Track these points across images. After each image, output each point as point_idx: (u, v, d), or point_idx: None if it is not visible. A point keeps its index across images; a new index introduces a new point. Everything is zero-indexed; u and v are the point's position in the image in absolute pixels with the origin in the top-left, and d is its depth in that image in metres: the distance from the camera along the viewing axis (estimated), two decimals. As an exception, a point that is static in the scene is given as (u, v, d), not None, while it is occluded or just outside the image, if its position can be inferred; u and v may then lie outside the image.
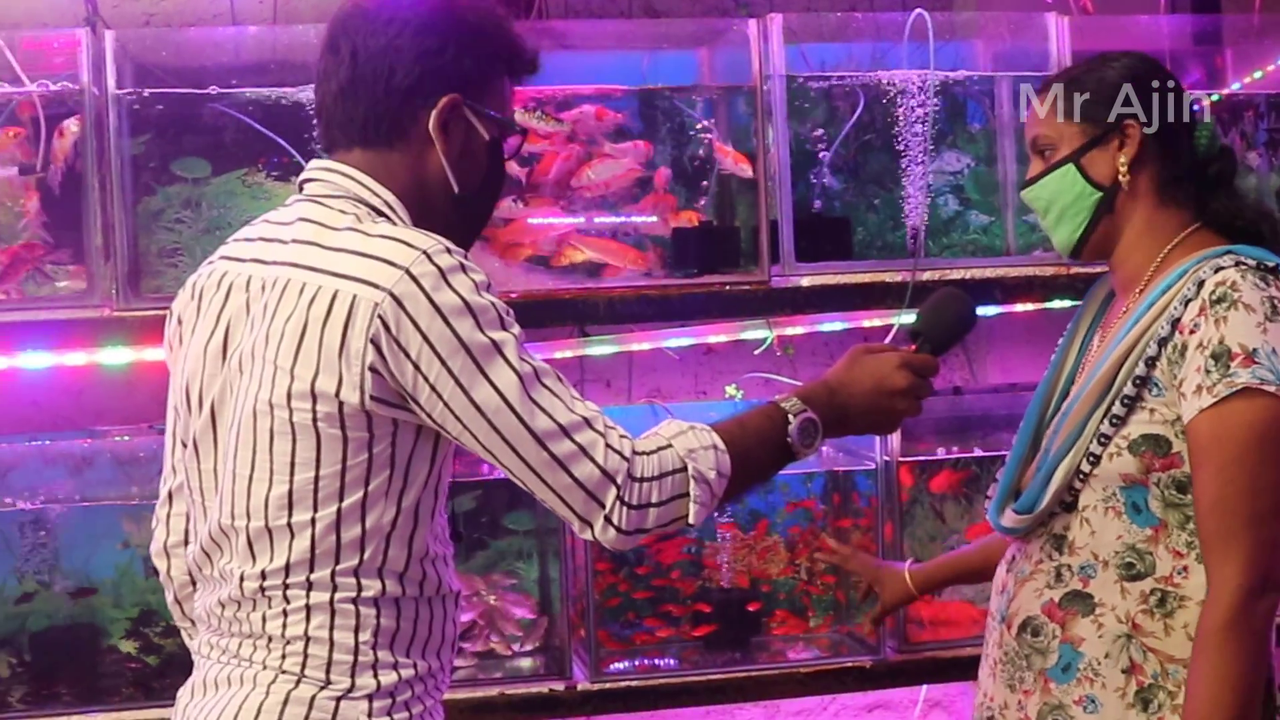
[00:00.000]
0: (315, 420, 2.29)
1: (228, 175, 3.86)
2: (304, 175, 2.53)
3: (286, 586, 2.34)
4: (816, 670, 4.10)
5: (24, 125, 3.76)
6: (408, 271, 2.25)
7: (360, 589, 2.34)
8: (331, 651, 2.33)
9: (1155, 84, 2.81)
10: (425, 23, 2.46)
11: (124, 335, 3.69)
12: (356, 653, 2.34)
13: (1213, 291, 2.60)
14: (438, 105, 2.45)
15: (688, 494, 2.33)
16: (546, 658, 4.06)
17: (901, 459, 4.13)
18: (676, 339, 4.37)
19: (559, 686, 3.95)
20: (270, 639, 2.36)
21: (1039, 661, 2.76)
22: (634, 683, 4.00)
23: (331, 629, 2.33)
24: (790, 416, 2.48)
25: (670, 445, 2.35)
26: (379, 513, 2.33)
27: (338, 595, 2.33)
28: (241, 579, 2.37)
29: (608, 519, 2.29)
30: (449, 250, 2.30)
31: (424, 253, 2.27)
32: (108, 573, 3.94)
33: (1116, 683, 2.68)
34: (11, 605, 3.90)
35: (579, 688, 3.95)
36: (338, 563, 2.33)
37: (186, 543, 2.60)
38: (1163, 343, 2.64)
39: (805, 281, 3.98)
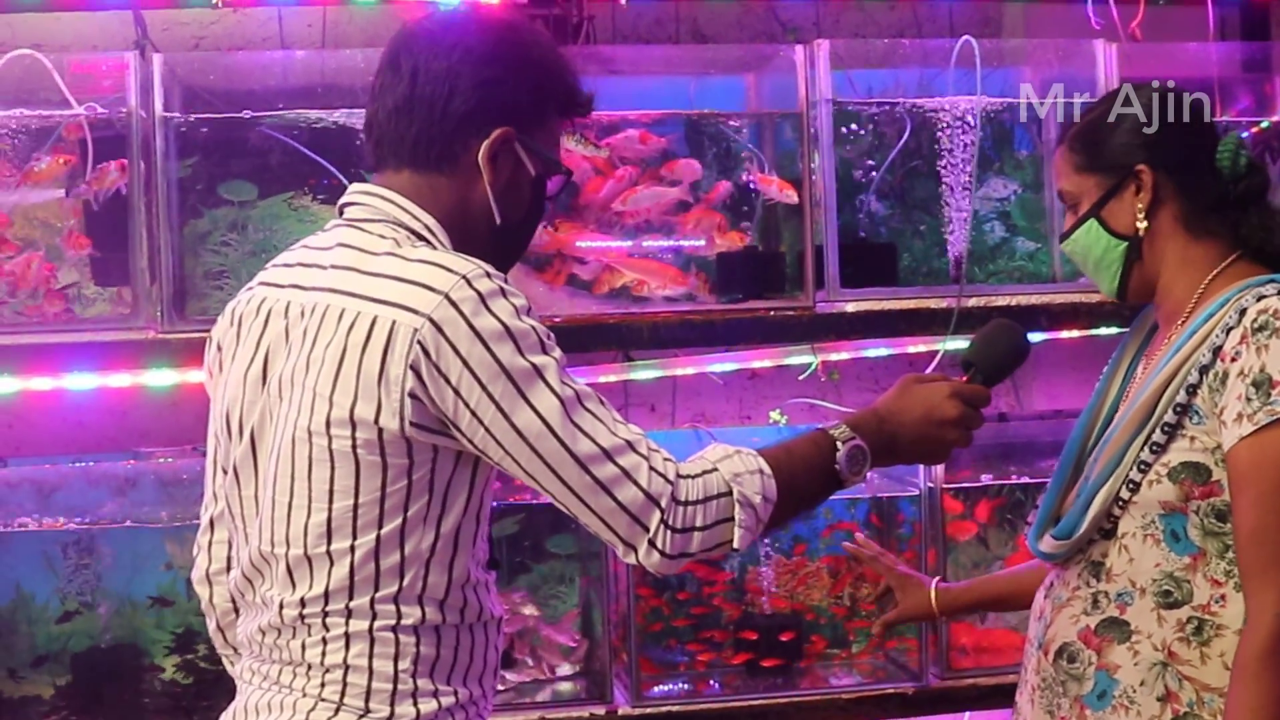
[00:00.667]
0: (355, 447, 2.28)
1: (274, 199, 3.88)
2: (344, 199, 2.52)
3: (326, 614, 2.33)
4: (858, 696, 4.09)
5: (73, 152, 3.78)
6: (447, 296, 2.24)
7: (400, 616, 2.33)
8: (371, 680, 2.32)
9: (1169, 118, 2.80)
10: (489, 52, 2.46)
11: (169, 357, 3.70)
12: (396, 681, 2.33)
13: (1255, 320, 2.59)
14: (490, 136, 2.44)
15: (733, 518, 2.31)
16: (588, 682, 4.05)
17: (945, 485, 4.12)
18: (720, 364, 4.36)
19: (600, 711, 3.94)
20: (310, 666, 2.35)
21: (1075, 688, 2.75)
22: (675, 708, 3.98)
23: (371, 657, 2.33)
24: (839, 444, 2.46)
25: (715, 469, 2.33)
26: (418, 539, 2.32)
27: (377, 623, 2.32)
28: (281, 606, 2.36)
29: (651, 543, 2.27)
30: (489, 274, 2.29)
31: (464, 277, 2.26)
32: (150, 593, 3.95)
33: (1152, 710, 2.66)
34: (54, 625, 3.91)
35: (620, 712, 3.95)
36: (377, 590, 2.32)
37: (228, 569, 2.60)
38: (1204, 370, 2.63)
39: (850, 307, 3.98)
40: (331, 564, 2.32)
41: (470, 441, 2.28)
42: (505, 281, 2.31)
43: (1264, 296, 2.62)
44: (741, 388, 4.60)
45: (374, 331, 2.27)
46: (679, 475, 2.30)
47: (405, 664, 2.34)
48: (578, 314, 3.88)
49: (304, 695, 2.35)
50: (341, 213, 2.52)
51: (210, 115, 3.83)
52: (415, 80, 2.44)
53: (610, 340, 3.92)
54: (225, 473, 2.53)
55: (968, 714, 4.77)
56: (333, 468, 2.30)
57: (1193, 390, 2.64)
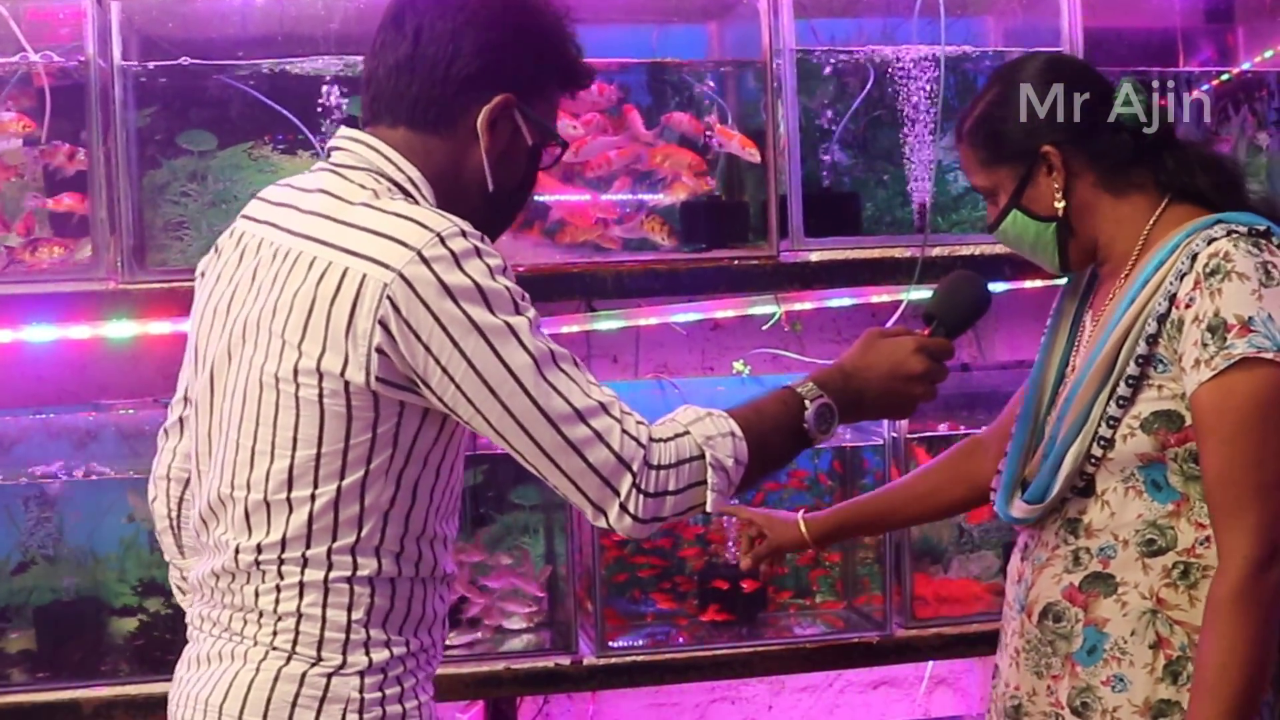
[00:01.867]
0: (321, 397, 2.27)
1: (234, 148, 3.86)
2: (332, 143, 2.50)
3: (281, 561, 2.33)
4: (822, 645, 4.09)
5: (32, 117, 3.74)
6: (419, 253, 2.23)
7: (356, 567, 2.33)
8: (323, 629, 2.33)
9: (1058, 88, 2.79)
10: (495, 17, 2.43)
11: (129, 308, 3.69)
12: (349, 630, 2.33)
13: (1206, 264, 2.59)
14: (491, 102, 2.43)
15: (705, 481, 2.32)
16: (552, 633, 4.05)
17: (909, 435, 4.12)
18: (684, 314, 4.35)
19: (565, 661, 3.94)
20: (262, 614, 2.35)
21: (1064, 646, 2.75)
22: (639, 657, 3.98)
23: (325, 606, 2.33)
24: (806, 402, 2.47)
25: (688, 432, 2.33)
26: (378, 491, 2.32)
27: (332, 573, 2.32)
28: (237, 551, 2.36)
29: (623, 506, 2.27)
30: (464, 233, 2.27)
31: (438, 235, 2.25)
32: (112, 547, 3.93)
33: (1144, 659, 2.67)
34: (13, 579, 3.89)
35: (585, 662, 3.95)
36: (334, 540, 2.32)
37: (185, 484, 2.63)
38: (1162, 319, 2.62)
39: (814, 256, 3.98)
40: (290, 511, 2.32)
41: (440, 399, 2.27)
42: (481, 240, 2.29)
43: (1214, 239, 2.62)
44: (704, 339, 4.59)
45: (344, 283, 2.25)
46: (651, 439, 2.30)
47: (359, 614, 2.34)
48: (541, 263, 3.87)
49: (255, 644, 2.35)
50: (329, 156, 2.50)
51: (169, 63, 3.79)
52: (419, 39, 2.42)
53: (574, 290, 3.90)
54: (188, 402, 2.55)
55: (930, 663, 4.81)
56: (298, 415, 2.29)
57: (1153, 340, 2.63)
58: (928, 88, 4.11)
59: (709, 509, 2.34)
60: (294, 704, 2.31)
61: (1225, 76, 4.34)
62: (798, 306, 4.40)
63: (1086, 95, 2.79)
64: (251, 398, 2.34)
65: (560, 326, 4.26)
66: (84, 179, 3.74)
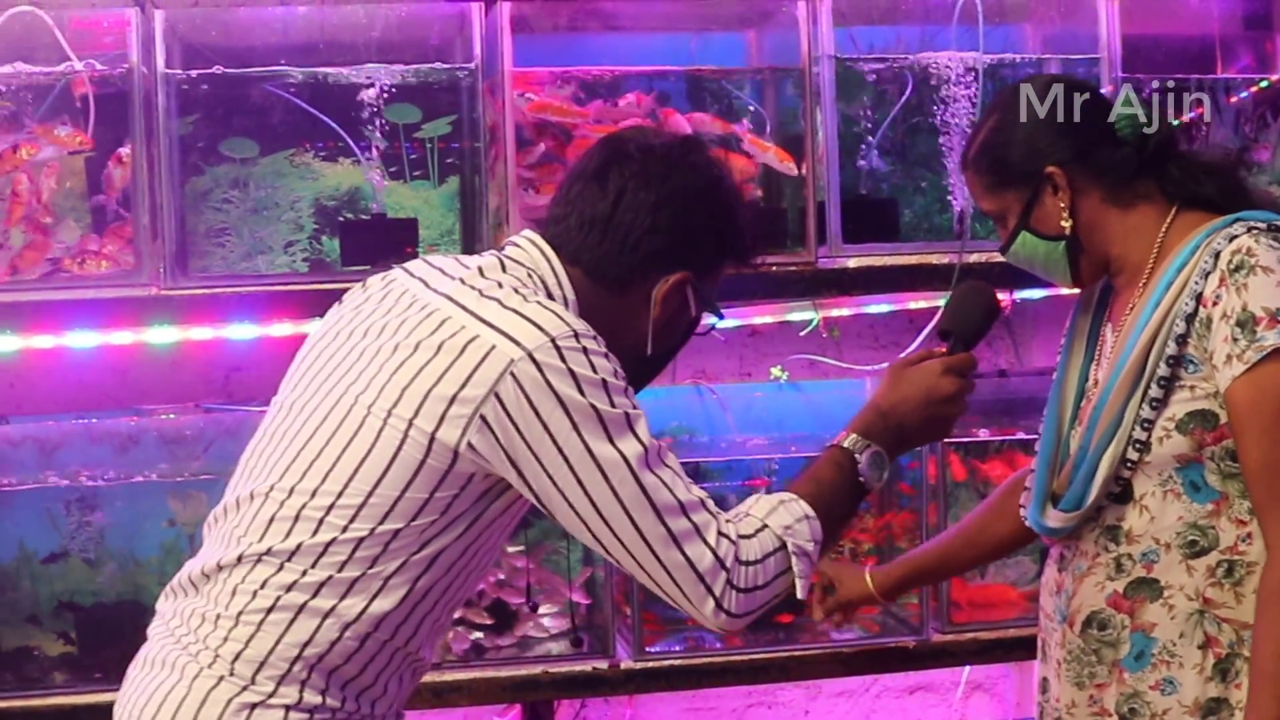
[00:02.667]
0: (402, 444, 2.31)
1: (275, 155, 3.86)
2: (510, 239, 2.58)
3: (280, 569, 2.35)
4: (859, 650, 4.10)
5: (77, 115, 3.76)
6: (553, 340, 2.29)
7: (338, 604, 2.34)
8: (271, 652, 2.33)
9: (1060, 110, 2.83)
10: (694, 198, 2.52)
11: (170, 314, 3.70)
12: (293, 664, 2.34)
13: (1230, 261, 2.62)
14: (671, 278, 2.51)
15: (791, 569, 2.39)
16: (590, 636, 4.05)
17: (946, 440, 4.12)
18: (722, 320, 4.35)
19: (602, 665, 3.96)
20: (221, 615, 2.36)
21: (1110, 654, 2.75)
22: (677, 662, 3.99)
23: (286, 630, 2.33)
24: (857, 455, 2.54)
25: (766, 525, 2.40)
26: (403, 546, 2.34)
27: (314, 601, 2.33)
28: (244, 547, 2.38)
29: (719, 604, 2.33)
30: (596, 338, 2.34)
31: (574, 332, 2.32)
32: (153, 551, 3.94)
33: (1194, 660, 2.68)
34: (58, 582, 3.91)
35: (622, 666, 3.96)
36: (339, 571, 2.34)
37: None
38: (1190, 319, 2.64)
39: (852, 263, 3.98)
40: (316, 532, 2.34)
41: (541, 467, 2.30)
42: (608, 354, 2.35)
43: (1235, 237, 2.65)
44: (742, 345, 4.60)
45: (470, 348, 2.31)
46: (739, 536, 2.35)
47: (311, 653, 2.34)
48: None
49: (196, 654, 2.35)
50: (503, 249, 2.56)
51: (212, 71, 3.81)
52: (619, 203, 2.49)
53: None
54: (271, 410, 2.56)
55: (967, 668, 4.81)
56: (371, 450, 2.33)
57: (1182, 340, 2.65)
58: (966, 95, 4.11)
59: (800, 595, 2.41)
60: None
61: (1265, 83, 4.33)
62: (835, 313, 4.41)
63: (1086, 113, 2.82)
64: (336, 416, 2.38)
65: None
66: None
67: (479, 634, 3.95)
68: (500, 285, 2.41)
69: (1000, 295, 4.31)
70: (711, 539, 2.33)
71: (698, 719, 4.81)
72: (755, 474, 4.23)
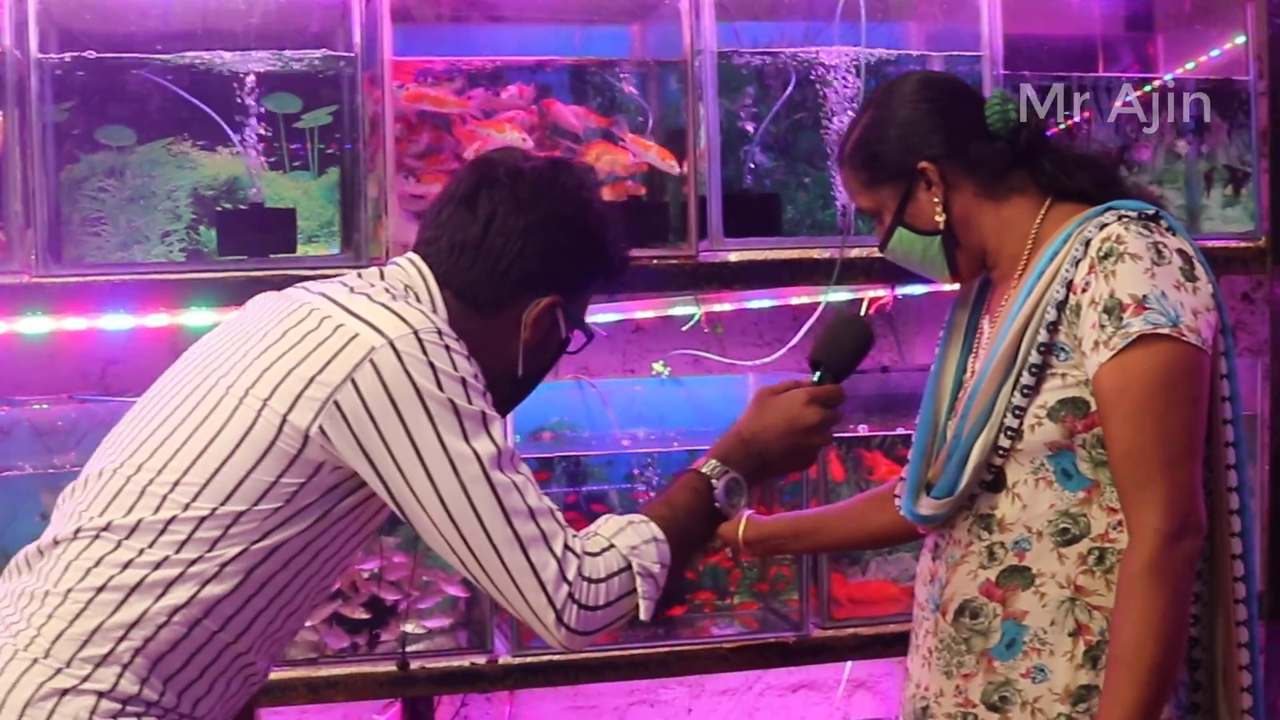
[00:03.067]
0: (254, 423, 2.30)
1: (153, 144, 3.82)
2: (393, 259, 2.61)
3: (117, 546, 2.31)
4: (739, 646, 4.11)
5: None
6: (416, 333, 2.31)
7: (168, 589, 2.30)
8: (94, 634, 2.29)
9: (931, 108, 2.85)
10: (563, 223, 2.54)
11: (44, 303, 3.65)
12: (116, 645, 2.29)
13: (1100, 248, 2.64)
14: (541, 302, 2.53)
15: (635, 590, 2.38)
16: (469, 632, 4.03)
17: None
18: (604, 314, 4.34)
19: (480, 660, 3.94)
20: (48, 594, 2.31)
21: (980, 643, 2.76)
22: (556, 657, 3.97)
23: (114, 610, 2.29)
24: (714, 481, 2.55)
25: (613, 545, 2.39)
26: (244, 536, 2.32)
27: (149, 579, 2.30)
28: (84, 521, 2.35)
29: (559, 617, 2.32)
30: (460, 341, 2.36)
31: (438, 330, 2.34)
32: (25, 544, 3.88)
33: (1065, 647, 2.69)
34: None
35: (500, 661, 3.94)
36: (177, 552, 2.30)
37: None
38: (1060, 306, 2.66)
39: (733, 257, 3.99)
40: (159, 509, 2.31)
41: (392, 461, 2.29)
42: (471, 358, 2.37)
43: (1106, 225, 2.67)
44: (625, 340, 4.58)
45: (334, 335, 2.32)
46: (585, 552, 2.35)
47: (136, 635, 2.29)
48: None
49: (18, 635, 2.31)
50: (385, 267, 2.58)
51: (87, 56, 3.76)
52: (488, 228, 2.51)
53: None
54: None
55: (848, 666, 4.82)
56: (222, 429, 2.32)
57: (1053, 327, 2.67)
58: (849, 91, 4.12)
59: (643, 616, 2.40)
60: (21, 714, 2.26)
61: (1148, 88, 4.36)
62: (718, 308, 4.40)
63: (958, 109, 2.83)
64: (195, 398, 2.38)
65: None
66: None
67: (356, 629, 3.91)
68: (371, 285, 2.45)
69: (881, 293, 4.39)
70: (558, 549, 2.32)
71: (579, 717, 4.79)
72: (636, 468, 4.23)
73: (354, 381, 2.27)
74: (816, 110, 4.16)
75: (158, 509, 2.31)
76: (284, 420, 2.28)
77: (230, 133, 3.79)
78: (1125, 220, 2.66)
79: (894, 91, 2.90)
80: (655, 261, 3.93)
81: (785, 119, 4.17)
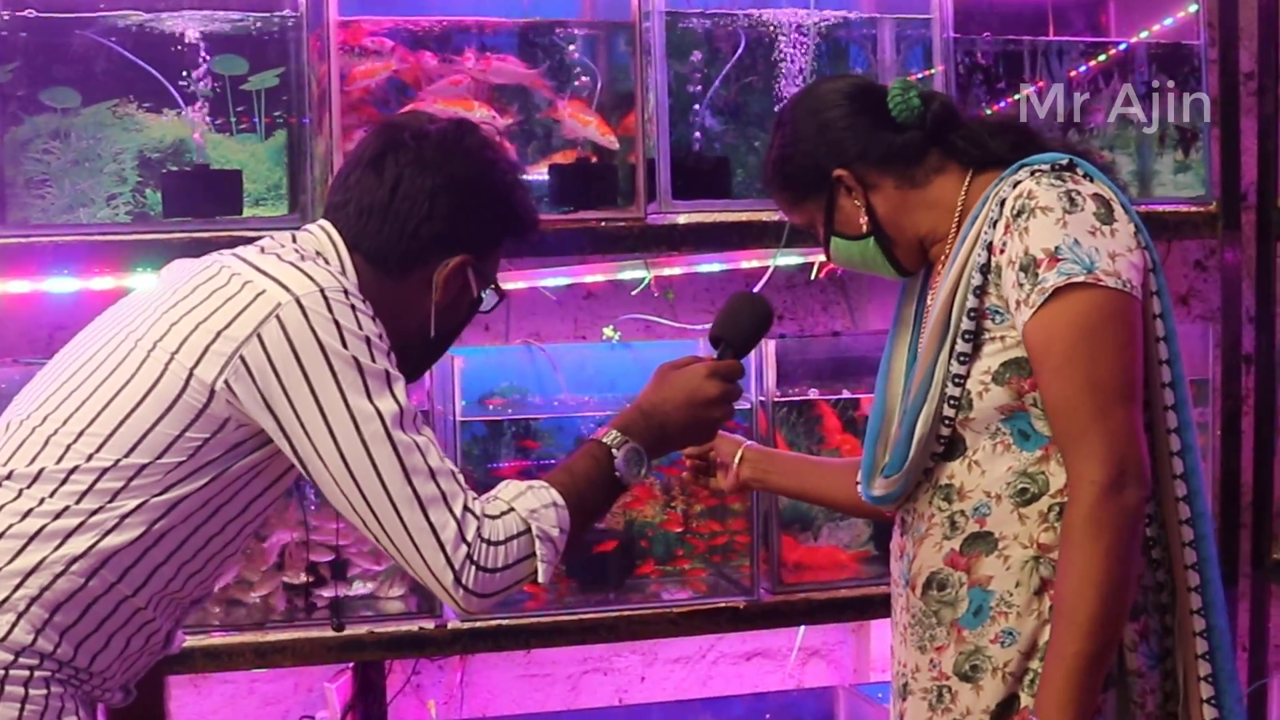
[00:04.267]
0: (160, 376, 2.31)
1: (98, 106, 3.80)
2: (306, 226, 2.59)
3: (17, 495, 2.31)
4: (690, 610, 4.10)
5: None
6: (322, 291, 2.32)
7: (66, 539, 2.30)
8: None
9: (831, 116, 2.84)
10: (469, 183, 2.55)
11: (-13, 264, 3.63)
12: (14, 593, 2.28)
13: (1013, 206, 2.63)
14: (450, 262, 2.54)
15: (534, 554, 2.39)
16: (418, 597, 4.02)
17: (778, 399, 4.13)
18: (553, 279, 4.34)
19: (429, 624, 3.93)
20: None
21: (949, 614, 2.74)
22: (505, 621, 3.96)
23: (13, 558, 2.29)
24: (614, 450, 2.56)
25: (512, 509, 2.40)
26: (148, 488, 2.32)
27: (49, 528, 2.29)
28: None
29: (458, 578, 2.32)
30: (366, 303, 2.37)
31: (344, 289, 2.34)
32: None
33: (1032, 607, 2.66)
34: None
35: (449, 626, 3.93)
36: (77, 502, 2.30)
37: None
38: (984, 270, 2.65)
39: (682, 219, 3.99)
40: (61, 459, 2.31)
41: (296, 418, 2.30)
42: (376, 319, 2.38)
43: (1019, 182, 2.66)
44: (577, 306, 4.58)
45: (242, 291, 2.33)
46: (485, 515, 2.36)
47: (36, 583, 2.29)
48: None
49: None
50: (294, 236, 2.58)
51: (28, 15, 3.73)
52: (395, 191, 2.51)
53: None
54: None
55: (801, 632, 4.82)
56: (129, 381, 2.33)
57: (980, 292, 2.66)
58: (800, 54, 4.11)
59: (541, 580, 2.41)
60: None
61: (1102, 57, 4.36)
62: (668, 272, 4.39)
63: (861, 110, 2.83)
64: (105, 352, 2.38)
65: (429, 291, 4.24)
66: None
67: (302, 594, 3.90)
68: (281, 246, 2.46)
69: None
70: (458, 510, 2.32)
71: (532, 686, 4.79)
72: (586, 433, 4.22)
73: (260, 337, 2.28)
74: (767, 74, 4.15)
75: (60, 459, 2.31)
76: (190, 374, 2.29)
77: (176, 95, 3.77)
78: (1038, 174, 2.65)
79: (798, 107, 2.90)
80: (603, 224, 3.93)
81: (735, 82, 4.16)
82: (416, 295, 2.55)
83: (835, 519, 4.31)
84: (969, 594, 2.72)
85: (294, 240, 2.51)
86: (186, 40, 3.78)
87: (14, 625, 2.27)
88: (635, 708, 4.82)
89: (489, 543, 2.34)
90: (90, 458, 2.30)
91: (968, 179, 2.80)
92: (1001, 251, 2.62)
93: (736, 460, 3.21)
